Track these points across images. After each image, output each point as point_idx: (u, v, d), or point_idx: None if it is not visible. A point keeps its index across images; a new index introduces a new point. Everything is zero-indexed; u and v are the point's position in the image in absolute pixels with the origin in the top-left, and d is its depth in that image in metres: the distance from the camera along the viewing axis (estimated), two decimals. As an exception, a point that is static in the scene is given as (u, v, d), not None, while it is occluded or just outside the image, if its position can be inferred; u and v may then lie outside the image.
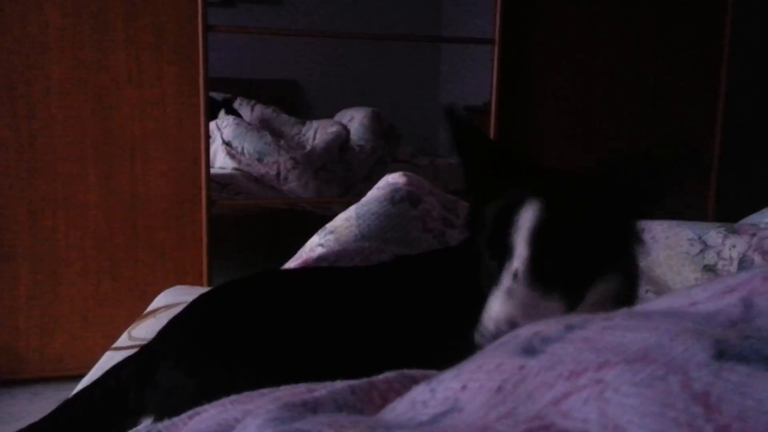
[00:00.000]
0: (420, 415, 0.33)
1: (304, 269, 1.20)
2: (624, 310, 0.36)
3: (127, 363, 0.89)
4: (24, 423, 0.85)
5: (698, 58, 2.87)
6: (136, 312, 2.17)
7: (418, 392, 0.35)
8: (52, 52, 2.25)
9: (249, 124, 2.65)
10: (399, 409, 0.35)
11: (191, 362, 0.83)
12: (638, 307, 0.36)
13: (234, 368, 0.81)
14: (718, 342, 0.29)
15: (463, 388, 0.32)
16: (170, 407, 0.80)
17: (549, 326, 0.34)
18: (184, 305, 1.35)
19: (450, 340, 0.70)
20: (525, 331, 0.35)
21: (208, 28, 2.29)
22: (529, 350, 0.32)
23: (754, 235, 1.33)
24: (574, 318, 0.34)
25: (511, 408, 0.29)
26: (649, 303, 0.37)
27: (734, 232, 1.36)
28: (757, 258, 1.30)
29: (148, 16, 2.30)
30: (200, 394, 0.78)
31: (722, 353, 0.28)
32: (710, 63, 2.88)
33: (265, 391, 0.45)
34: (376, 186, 1.38)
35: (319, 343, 0.84)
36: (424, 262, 1.04)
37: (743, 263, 1.32)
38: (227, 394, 0.71)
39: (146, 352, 0.88)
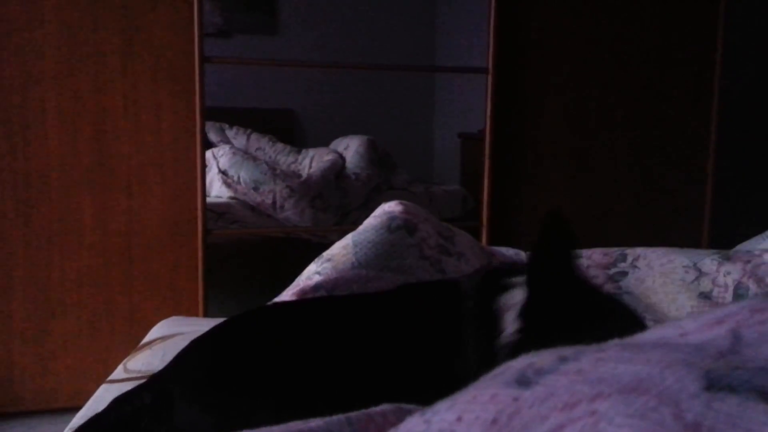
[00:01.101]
0: None
1: (322, 299, 1.19)
2: (616, 341, 0.36)
3: (132, 398, 0.88)
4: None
5: (692, 81, 2.91)
6: (131, 343, 2.16)
7: (413, 423, 0.35)
8: (48, 83, 2.27)
9: (245, 152, 2.66)
10: None
11: (207, 399, 0.82)
12: (630, 339, 0.37)
13: (251, 404, 0.80)
14: (708, 373, 0.29)
15: (458, 419, 0.33)
16: None
17: (542, 358, 0.35)
18: (180, 336, 1.35)
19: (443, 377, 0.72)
20: (518, 363, 0.35)
21: (204, 59, 2.31)
22: (523, 382, 0.33)
23: (748, 262, 1.34)
24: (567, 350, 0.35)
25: None
26: (642, 334, 0.37)
27: (728, 259, 1.36)
28: (752, 285, 1.31)
29: (144, 47, 2.32)
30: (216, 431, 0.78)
31: (712, 384, 0.29)
32: (704, 87, 2.92)
33: (275, 428, 0.45)
34: (372, 214, 1.39)
35: (337, 377, 0.83)
36: (430, 293, 1.04)
37: (738, 290, 1.32)
38: (244, 430, 0.72)
39: (158, 386, 0.87)
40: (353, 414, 0.44)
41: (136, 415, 0.84)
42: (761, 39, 3.09)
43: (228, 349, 0.89)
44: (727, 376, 0.29)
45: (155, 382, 0.88)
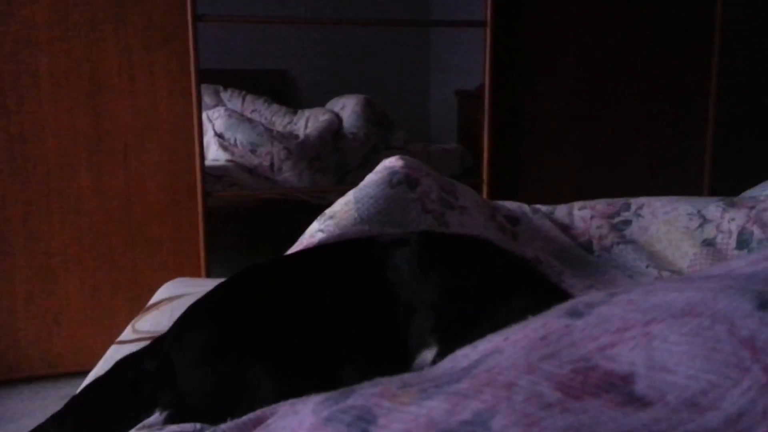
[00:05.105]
0: (461, 363, 0.34)
1: (315, 250, 1.19)
2: (664, 279, 0.37)
3: (135, 362, 0.88)
4: (24, 421, 0.86)
5: (692, 34, 2.88)
6: (134, 306, 2.16)
7: (460, 351, 0.36)
8: (40, 47, 2.23)
9: (240, 115, 2.64)
10: (440, 366, 0.36)
11: (206, 365, 0.83)
12: (677, 277, 0.37)
13: (250, 369, 0.81)
14: (760, 294, 0.30)
15: (505, 339, 0.33)
16: (185, 406, 0.81)
17: (592, 295, 0.35)
18: (186, 297, 1.35)
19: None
20: (567, 303, 0.36)
21: (197, 18, 2.27)
22: (575, 313, 0.33)
23: (752, 207, 1.34)
24: (616, 288, 0.35)
25: (555, 351, 0.30)
26: (688, 275, 0.38)
27: (733, 205, 1.37)
28: (756, 230, 1.31)
29: (136, 7, 2.28)
30: (215, 395, 0.79)
31: (766, 304, 0.29)
32: (703, 41, 2.89)
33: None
34: (373, 171, 1.38)
35: (316, 336, 0.84)
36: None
37: (742, 236, 1.32)
38: (243, 395, 0.73)
39: (160, 353, 0.88)
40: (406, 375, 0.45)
41: (139, 380, 0.85)
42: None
43: (223, 314, 0.90)
44: (781, 297, 0.29)
45: (157, 348, 0.89)
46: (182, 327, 0.90)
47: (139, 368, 0.88)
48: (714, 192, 2.88)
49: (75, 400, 0.87)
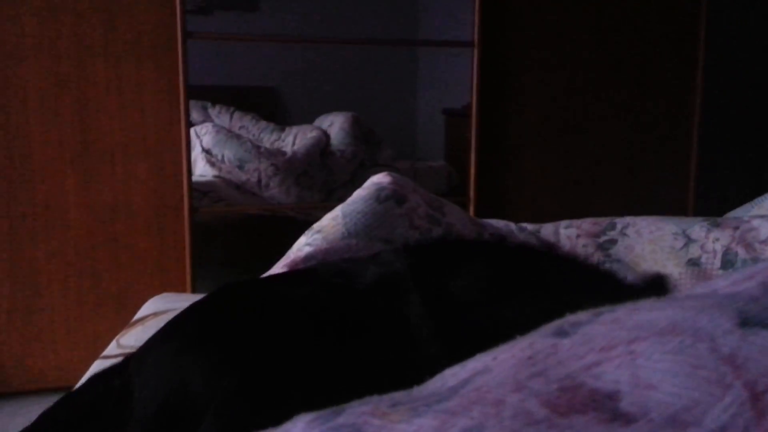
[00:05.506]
0: (450, 382, 0.35)
1: (281, 275, 1.18)
2: (648, 299, 0.38)
3: (106, 378, 0.87)
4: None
5: (676, 55, 2.92)
6: (119, 322, 2.15)
7: (449, 370, 0.37)
8: (29, 62, 2.23)
9: (228, 131, 2.64)
10: (430, 385, 0.37)
11: (163, 373, 0.81)
12: (660, 298, 0.38)
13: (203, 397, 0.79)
14: (741, 312, 0.31)
15: (494, 359, 0.34)
16: (139, 424, 0.79)
17: (578, 314, 0.36)
18: (171, 313, 1.35)
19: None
20: (554, 322, 0.37)
21: (187, 35, 2.28)
22: (561, 333, 0.34)
23: (737, 228, 1.35)
24: (602, 308, 0.37)
25: (542, 369, 0.31)
26: (671, 295, 0.39)
27: (717, 225, 1.38)
28: (740, 251, 1.33)
29: (125, 24, 2.29)
30: (168, 408, 0.77)
31: (746, 322, 0.30)
32: (687, 62, 2.93)
33: None
34: (361, 187, 1.39)
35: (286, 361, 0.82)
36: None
37: (727, 256, 1.34)
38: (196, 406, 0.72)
39: (126, 370, 0.87)
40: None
41: (107, 396, 0.84)
42: (745, 2, 3.11)
43: (188, 330, 0.88)
44: (761, 314, 0.30)
45: (125, 364, 0.88)
46: (146, 344, 0.89)
47: (108, 384, 0.87)
48: (698, 212, 2.91)
49: (45, 414, 0.86)
